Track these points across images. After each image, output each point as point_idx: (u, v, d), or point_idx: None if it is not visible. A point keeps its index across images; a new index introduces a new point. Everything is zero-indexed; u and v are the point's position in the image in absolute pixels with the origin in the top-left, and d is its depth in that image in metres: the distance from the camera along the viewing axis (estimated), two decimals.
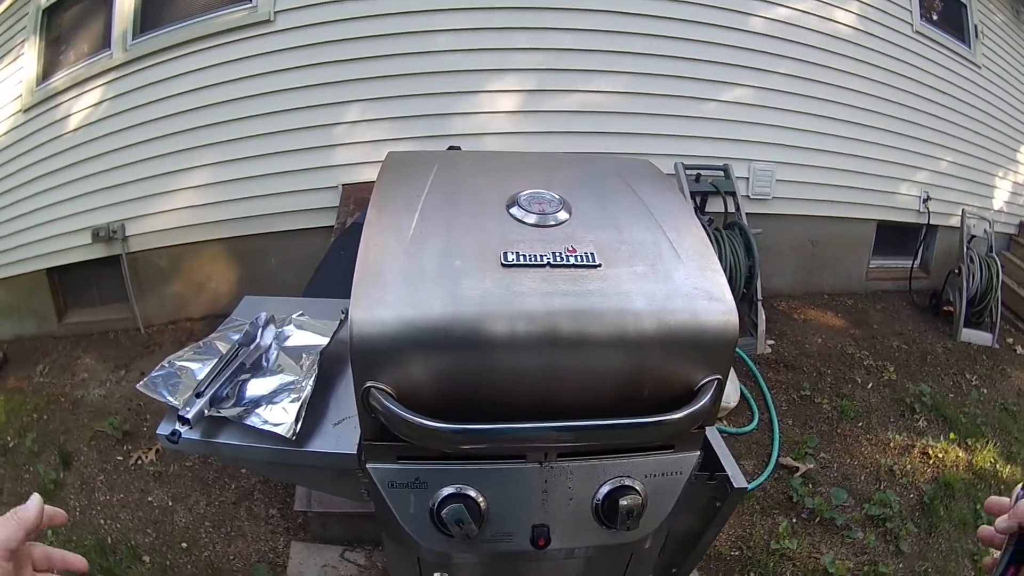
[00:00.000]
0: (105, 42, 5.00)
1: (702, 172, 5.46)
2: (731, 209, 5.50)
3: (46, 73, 5.23)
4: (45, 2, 5.18)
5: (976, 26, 6.75)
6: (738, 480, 1.48)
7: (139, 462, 3.86)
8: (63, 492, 3.65)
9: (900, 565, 3.54)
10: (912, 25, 6.15)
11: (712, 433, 1.49)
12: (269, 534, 3.39)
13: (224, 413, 1.44)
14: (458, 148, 4.46)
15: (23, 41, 5.27)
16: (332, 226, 4.77)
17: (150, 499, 3.62)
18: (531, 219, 1.33)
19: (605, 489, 1.32)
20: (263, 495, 3.63)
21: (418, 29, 4.90)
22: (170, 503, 3.59)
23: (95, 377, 4.67)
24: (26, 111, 5.22)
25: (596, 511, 1.33)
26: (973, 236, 6.44)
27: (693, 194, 5.43)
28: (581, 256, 1.24)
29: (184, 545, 3.34)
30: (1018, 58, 7.42)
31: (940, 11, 6.55)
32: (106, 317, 5.36)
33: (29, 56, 5.23)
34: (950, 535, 3.77)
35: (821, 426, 4.54)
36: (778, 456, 4.17)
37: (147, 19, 4.95)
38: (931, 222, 6.73)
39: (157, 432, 1.44)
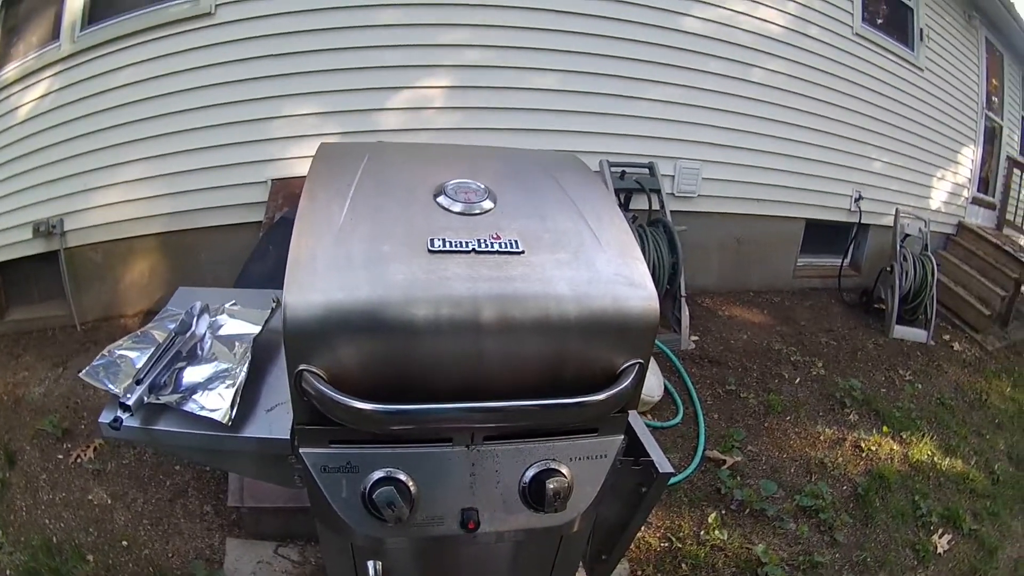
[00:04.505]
0: (55, 33, 4.88)
1: (627, 169, 5.49)
2: (656, 206, 5.55)
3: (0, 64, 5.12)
4: None
5: (922, 29, 6.94)
6: (663, 465, 1.53)
7: (78, 460, 3.79)
8: (10, 492, 3.57)
9: (836, 555, 3.61)
10: (852, 28, 6.30)
11: (636, 421, 1.54)
12: (205, 531, 3.37)
13: (163, 400, 1.46)
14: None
15: None
16: (261, 221, 4.74)
17: (90, 497, 3.56)
18: (457, 207, 1.37)
19: (531, 472, 1.36)
20: (197, 491, 3.60)
21: (352, 24, 4.89)
22: (109, 501, 3.54)
23: (35, 375, 4.57)
24: None
25: (523, 493, 1.37)
26: (907, 235, 6.60)
27: (618, 191, 5.46)
28: (505, 243, 1.29)
29: (125, 543, 3.29)
30: (964, 61, 7.64)
31: (885, 14, 6.71)
32: (45, 314, 5.23)
33: None
34: (888, 525, 3.86)
35: (748, 420, 4.60)
36: (704, 449, 4.21)
37: (96, 10, 4.85)
38: (863, 221, 6.88)
39: (99, 420, 1.45)
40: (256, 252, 4.00)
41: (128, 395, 1.42)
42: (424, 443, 1.33)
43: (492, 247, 1.27)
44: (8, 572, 3.15)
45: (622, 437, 1.43)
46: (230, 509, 3.37)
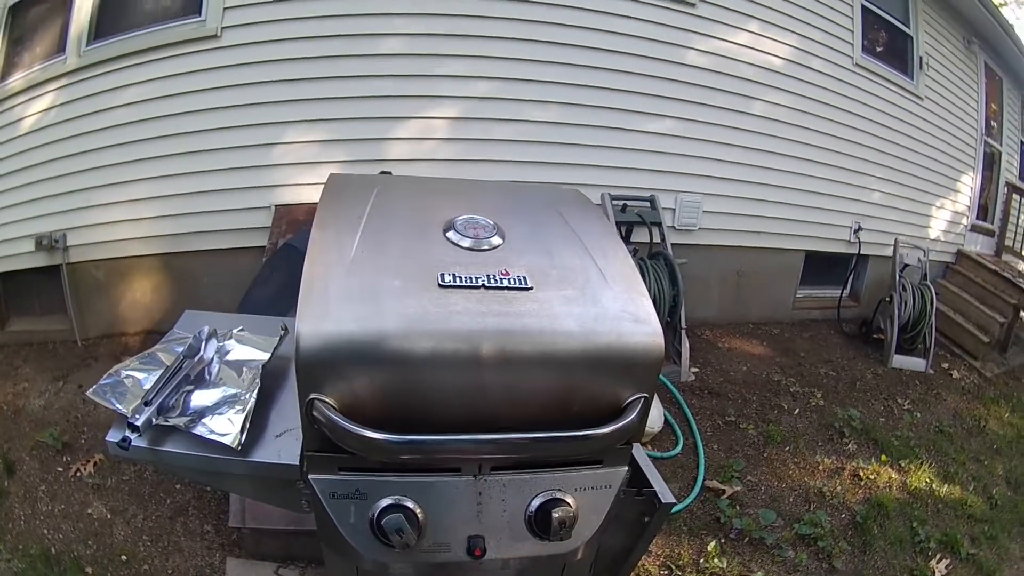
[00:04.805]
0: (62, 46, 4.89)
1: (628, 203, 5.51)
2: (656, 239, 5.55)
3: (4, 74, 5.08)
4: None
5: (921, 58, 6.95)
6: (666, 496, 1.55)
7: (78, 474, 3.80)
8: (8, 501, 3.57)
9: None
10: (852, 58, 6.33)
11: (639, 452, 1.56)
12: (205, 550, 3.37)
13: (172, 422, 1.47)
14: (389, 173, 4.49)
15: None
16: (264, 246, 4.71)
17: (90, 511, 3.56)
18: (466, 243, 1.40)
19: (537, 501, 1.38)
20: (197, 510, 3.60)
21: (354, 53, 4.92)
22: (109, 516, 3.54)
23: (35, 387, 4.57)
24: None
25: (529, 522, 1.39)
26: (906, 265, 6.60)
27: (619, 224, 5.45)
28: (514, 279, 1.32)
29: (124, 558, 3.28)
30: (964, 87, 7.66)
31: (884, 43, 6.74)
32: (46, 327, 5.23)
33: None
34: (886, 552, 3.85)
35: (747, 450, 4.59)
36: (704, 478, 4.20)
37: (103, 25, 4.86)
38: (862, 252, 6.88)
39: (107, 439, 1.46)
40: (259, 277, 4.01)
41: (137, 416, 1.43)
42: (432, 471, 1.35)
43: (501, 283, 1.30)
44: None
45: (626, 468, 1.45)
46: (231, 529, 3.36)
